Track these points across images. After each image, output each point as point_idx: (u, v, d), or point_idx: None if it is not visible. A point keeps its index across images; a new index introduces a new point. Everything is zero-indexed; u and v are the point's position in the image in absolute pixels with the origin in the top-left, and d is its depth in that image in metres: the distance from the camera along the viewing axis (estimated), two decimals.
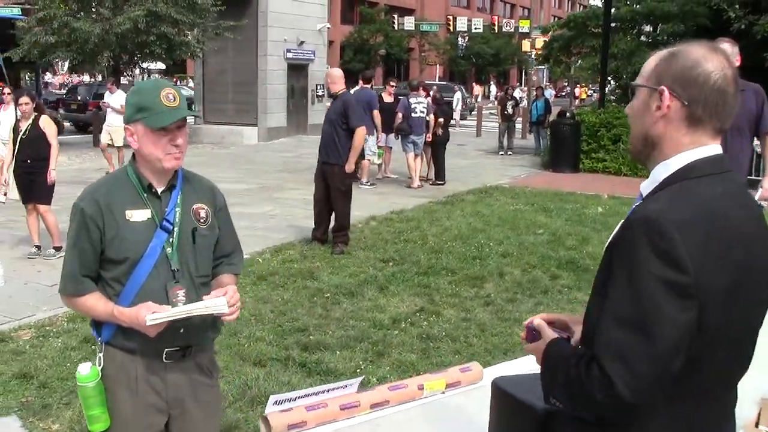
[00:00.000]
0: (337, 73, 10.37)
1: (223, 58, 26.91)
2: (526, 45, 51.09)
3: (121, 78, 24.87)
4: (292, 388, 5.47)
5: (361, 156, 11.61)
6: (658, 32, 24.31)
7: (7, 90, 13.69)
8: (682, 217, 1.86)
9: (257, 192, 15.37)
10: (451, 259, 9.57)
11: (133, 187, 2.96)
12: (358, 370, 5.94)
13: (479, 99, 52.66)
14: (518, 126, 27.09)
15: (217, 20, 23.90)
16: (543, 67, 53.30)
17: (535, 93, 27.88)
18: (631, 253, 1.87)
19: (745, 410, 2.14)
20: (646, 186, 2.07)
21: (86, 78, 48.06)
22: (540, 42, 38.88)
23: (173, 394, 3.02)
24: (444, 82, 47.79)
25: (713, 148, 2.01)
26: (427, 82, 21.79)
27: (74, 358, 6.05)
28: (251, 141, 26.33)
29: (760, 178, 7.73)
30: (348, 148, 9.78)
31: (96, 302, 2.93)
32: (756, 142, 7.05)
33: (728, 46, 5.73)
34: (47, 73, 55.10)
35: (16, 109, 9.78)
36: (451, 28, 61.36)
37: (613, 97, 24.24)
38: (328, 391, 3.61)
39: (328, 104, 10.42)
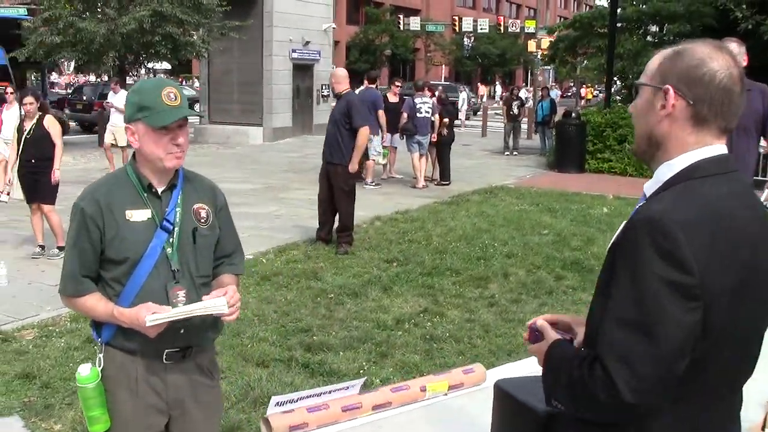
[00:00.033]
0: (342, 73, 10.35)
1: (228, 58, 26.91)
2: (531, 45, 50.93)
3: (127, 78, 24.88)
4: (295, 388, 5.45)
5: (365, 156, 11.57)
6: (664, 32, 24.27)
7: (9, 89, 13.71)
8: (687, 217, 1.83)
9: (262, 192, 15.37)
10: (456, 260, 9.55)
11: (133, 187, 2.94)
12: (361, 371, 5.92)
13: (484, 99, 52.53)
14: (524, 126, 27.05)
15: (223, 20, 23.88)
16: (549, 67, 53.25)
17: (540, 93, 27.85)
18: (635, 254, 1.84)
19: (750, 413, 2.11)
20: (650, 186, 2.04)
21: (92, 78, 48.13)
22: (546, 42, 38.83)
23: (173, 395, 3.00)
24: (447, 83, 47.68)
25: (718, 147, 1.98)
26: (432, 82, 21.69)
27: (77, 358, 6.03)
28: (256, 141, 26.33)
29: (766, 179, 7.69)
30: (351, 148, 9.76)
31: (96, 303, 2.91)
32: (763, 143, 7.00)
33: (735, 46, 5.70)
34: (53, 73, 55.22)
35: (20, 108, 9.76)
36: (457, 28, 61.29)
37: (618, 98, 24.19)
38: (330, 392, 3.58)
39: (334, 104, 10.40)
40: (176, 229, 2.94)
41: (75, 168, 17.51)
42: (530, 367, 3.49)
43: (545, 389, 2.16)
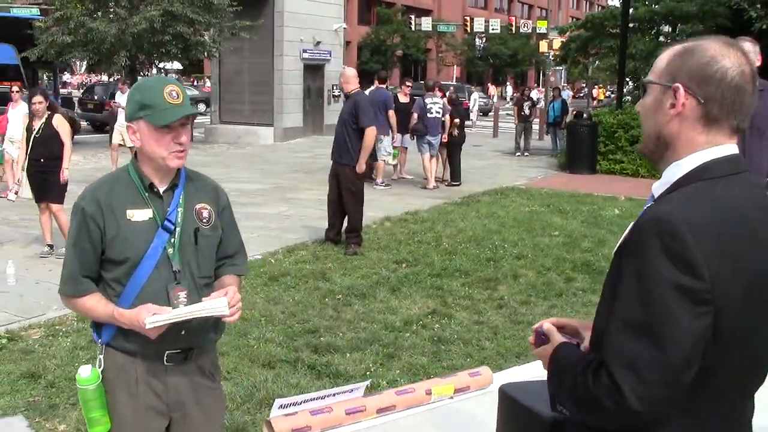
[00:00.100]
0: (350, 72, 10.31)
1: (239, 58, 26.93)
2: (543, 46, 50.85)
3: (138, 78, 24.92)
4: (300, 390, 5.42)
5: (372, 157, 11.52)
6: (677, 32, 24.16)
7: (15, 88, 13.74)
8: (696, 218, 1.77)
9: (272, 192, 15.35)
10: (465, 261, 9.49)
11: (135, 187, 2.90)
12: (368, 373, 5.88)
13: (495, 100, 52.42)
14: (535, 127, 26.97)
15: (233, 20, 23.89)
16: (560, 68, 53.09)
17: (552, 94, 27.76)
18: (642, 256, 1.78)
19: (762, 420, 2.05)
20: (658, 187, 1.99)
21: (104, 78, 48.31)
22: (557, 43, 38.72)
23: (174, 397, 2.97)
24: (453, 83, 47.56)
25: (729, 147, 1.92)
26: (441, 83, 21.66)
27: (83, 358, 6.01)
28: (267, 141, 26.33)
29: None
30: (359, 149, 9.72)
31: (96, 303, 2.87)
32: None
33: (749, 45, 5.62)
34: (65, 72, 55.44)
35: (29, 107, 9.77)
36: (469, 28, 61.18)
37: (630, 98, 24.10)
38: (333, 395, 3.54)
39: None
40: (178, 229, 2.90)
41: (85, 167, 17.55)
42: (538, 370, 3.44)
43: (550, 393, 2.12)
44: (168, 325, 2.73)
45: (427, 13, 70.65)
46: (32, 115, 9.64)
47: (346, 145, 9.77)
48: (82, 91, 38.24)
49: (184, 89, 2.93)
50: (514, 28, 61.36)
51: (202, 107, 35.41)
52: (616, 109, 20.03)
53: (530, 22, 65.35)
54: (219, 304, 2.74)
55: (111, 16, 22.34)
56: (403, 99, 17.02)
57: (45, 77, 27.34)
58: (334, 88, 28.66)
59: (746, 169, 1.95)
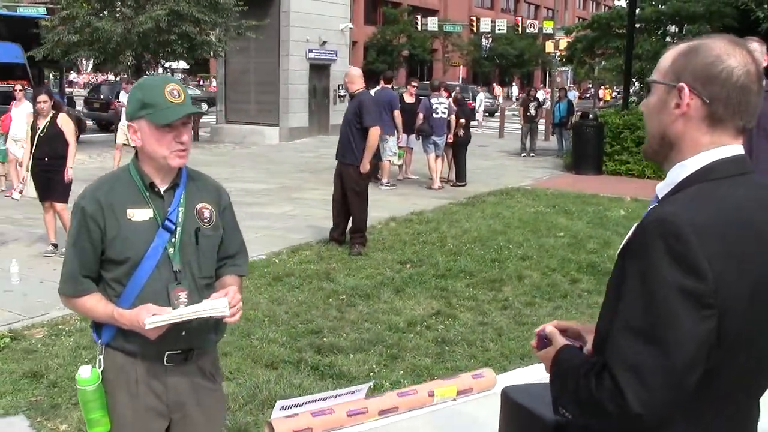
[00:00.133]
0: (355, 72, 10.28)
1: (245, 58, 26.93)
2: (549, 46, 50.74)
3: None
4: (303, 391, 5.39)
5: (376, 157, 11.48)
6: (683, 33, 24.07)
7: (18, 87, 13.75)
8: (701, 219, 1.74)
9: (277, 192, 15.34)
10: (470, 262, 9.46)
11: (135, 186, 2.88)
12: (371, 374, 5.85)
13: (500, 100, 52.32)
14: (541, 128, 26.92)
15: (239, 20, 23.90)
16: (566, 68, 52.99)
17: (558, 94, 27.71)
18: (645, 258, 1.75)
19: (764, 423, 2.02)
20: (662, 188, 1.95)
21: (111, 77, 48.37)
22: (563, 43, 38.64)
23: (174, 397, 2.94)
24: (457, 83, 47.51)
25: (734, 148, 1.89)
26: (447, 83, 21.62)
27: (85, 358, 5.99)
28: (272, 141, 26.33)
29: None
30: (363, 149, 9.70)
31: (96, 303, 2.85)
32: None
33: (756, 45, 5.58)
34: (71, 72, 55.53)
35: (34, 106, 9.76)
36: (475, 29, 61.10)
37: (636, 99, 24.02)
38: (335, 396, 3.52)
39: None
40: (178, 229, 2.87)
41: (90, 166, 17.54)
42: (542, 372, 3.41)
43: (553, 396, 2.09)
44: (168, 326, 2.71)
45: (433, 13, 70.63)
46: (37, 114, 9.64)
47: (350, 145, 9.76)
48: (88, 90, 38.26)
49: (185, 88, 2.91)
50: (520, 29, 61.29)
51: (204, 107, 35.43)
52: (622, 110, 19.96)
53: (536, 22, 65.25)
54: (219, 304, 2.72)
55: (117, 15, 22.37)
56: (409, 99, 16.99)
57: (51, 76, 27.36)
58: (340, 88, 28.65)
59: (752, 170, 1.92)
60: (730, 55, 1.84)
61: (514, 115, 36.33)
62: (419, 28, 62.49)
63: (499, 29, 60.84)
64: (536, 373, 3.72)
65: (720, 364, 1.78)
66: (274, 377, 5.73)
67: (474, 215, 12.73)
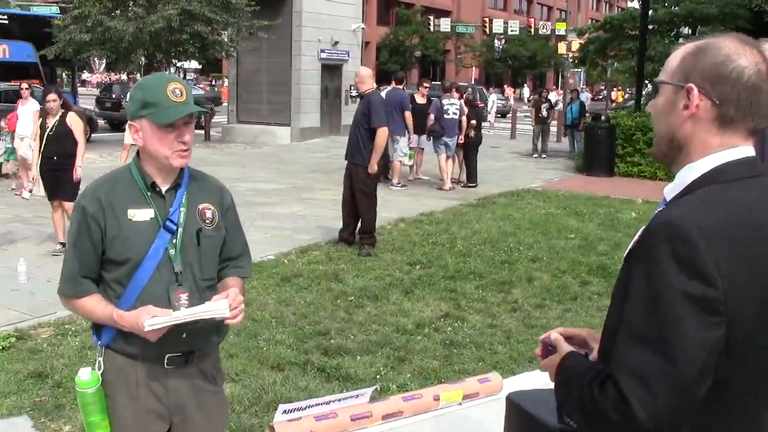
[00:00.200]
0: (365, 72, 10.24)
1: (257, 58, 26.94)
2: (562, 47, 50.63)
3: None
4: (309, 393, 5.35)
5: (384, 157, 11.41)
6: (696, 35, 23.96)
7: (24, 85, 13.77)
8: (709, 223, 1.69)
9: (287, 192, 15.32)
10: (480, 263, 9.40)
11: (137, 186, 2.84)
12: (378, 377, 5.81)
13: (511, 101, 52.16)
14: (553, 129, 26.83)
15: (251, 20, 23.91)
16: (579, 70, 52.84)
17: (570, 96, 27.62)
18: (651, 262, 1.70)
19: None
20: (671, 190, 1.90)
21: (123, 76, 48.50)
22: (576, 44, 38.55)
23: (175, 400, 2.90)
24: (465, 84, 47.40)
25: (745, 149, 1.84)
26: (459, 84, 21.58)
27: (91, 358, 5.96)
28: (284, 141, 26.33)
29: None
30: (371, 149, 9.66)
31: (95, 305, 2.81)
32: None
33: None
34: (84, 71, 55.72)
35: (44, 105, 9.76)
36: (488, 30, 61.02)
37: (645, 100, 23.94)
38: (339, 400, 3.46)
39: None
40: (180, 229, 2.83)
41: (101, 165, 17.53)
42: (549, 377, 3.36)
43: (557, 404, 2.04)
44: (168, 328, 2.67)
45: (446, 14, 70.59)
46: (46, 113, 9.64)
47: (358, 145, 9.72)
48: (99, 89, 38.40)
49: (188, 87, 2.86)
50: (533, 30, 61.21)
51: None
52: (634, 112, 19.87)
53: (549, 23, 65.13)
54: (220, 306, 2.68)
55: (129, 14, 22.41)
56: (420, 100, 16.96)
57: (64, 75, 27.45)
58: (352, 88, 28.63)
59: (764, 172, 1.86)
60: (740, 54, 1.79)
61: (526, 116, 36.28)
62: (432, 28, 62.46)
63: (511, 30, 60.77)
64: (544, 378, 3.65)
65: (730, 375, 1.73)
66: (280, 379, 5.69)
67: (484, 216, 12.67)
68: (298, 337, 6.67)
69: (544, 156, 23.48)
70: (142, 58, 22.58)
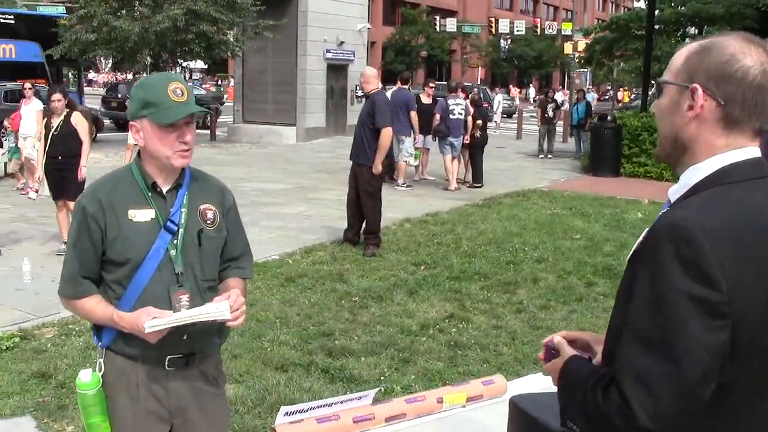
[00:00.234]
0: (370, 72, 10.23)
1: (262, 58, 26.93)
2: (568, 48, 50.55)
3: None
4: (313, 394, 5.34)
5: (388, 157, 11.37)
6: (703, 35, 23.90)
7: (27, 85, 13.81)
8: (714, 224, 1.67)
9: (293, 192, 15.30)
10: (485, 264, 9.37)
11: (137, 186, 2.82)
12: (382, 378, 5.78)
13: (516, 102, 52.06)
14: (559, 129, 26.78)
15: (257, 19, 23.91)
16: (585, 70, 52.73)
17: (576, 96, 27.57)
18: (655, 265, 1.68)
19: None
20: (675, 191, 1.87)
21: (130, 76, 48.55)
22: (582, 44, 38.48)
23: (175, 402, 2.88)
24: (476, 84, 47.30)
25: (751, 150, 1.81)
26: (465, 84, 21.56)
27: (94, 358, 5.90)
28: (290, 141, 26.32)
29: None
30: (375, 149, 9.63)
31: (95, 306, 2.79)
32: None
33: None
34: (90, 70, 55.81)
35: (48, 105, 9.75)
36: (494, 30, 61.02)
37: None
38: (341, 402, 3.45)
39: None
40: (181, 230, 2.81)
41: (106, 165, 17.54)
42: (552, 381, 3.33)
43: (560, 409, 2.02)
44: (169, 330, 2.65)
45: (452, 14, 70.53)
46: (51, 113, 9.63)
47: (363, 146, 9.69)
48: (105, 89, 38.47)
49: (188, 86, 2.84)
50: (539, 30, 61.19)
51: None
52: (640, 112, 19.82)
53: (555, 23, 65.08)
54: (221, 308, 2.66)
55: (135, 14, 22.42)
56: (426, 100, 16.92)
57: (70, 75, 27.50)
58: (357, 88, 28.60)
59: None
60: (746, 53, 1.76)
61: (532, 116, 36.23)
62: (438, 28, 62.44)
63: (517, 30, 60.75)
64: (548, 380, 3.63)
65: (735, 378, 1.70)
66: (283, 380, 5.67)
67: (490, 217, 12.64)
68: (302, 337, 6.65)
69: (550, 156, 23.43)
70: (148, 58, 22.56)
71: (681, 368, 1.62)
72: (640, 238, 1.80)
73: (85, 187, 9.46)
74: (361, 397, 3.50)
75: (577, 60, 44.11)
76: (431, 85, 17.92)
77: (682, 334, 1.62)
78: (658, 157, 1.98)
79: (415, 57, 66.38)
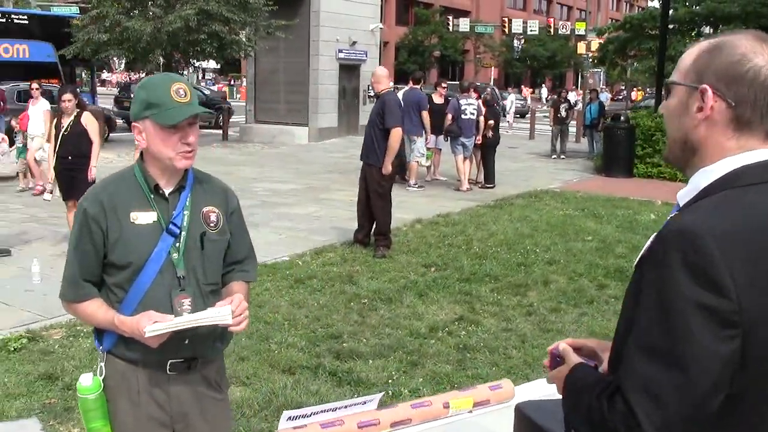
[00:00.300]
0: (381, 72, 10.18)
1: (275, 58, 26.93)
2: (581, 47, 50.37)
3: None
4: (320, 398, 5.29)
5: (399, 158, 11.31)
6: (718, 34, 23.77)
7: (35, 85, 13.83)
8: (724, 229, 1.60)
9: (304, 192, 15.27)
10: (495, 266, 9.30)
11: (140, 188, 2.78)
12: (390, 381, 5.73)
13: (528, 102, 51.90)
14: (572, 129, 26.67)
15: (269, 19, 23.91)
16: (599, 70, 52.55)
17: (589, 96, 27.45)
18: (662, 271, 1.62)
19: None
20: (684, 194, 1.80)
21: (143, 76, 48.69)
22: (596, 44, 38.33)
23: (177, 407, 2.84)
24: (488, 84, 47.17)
25: (763, 153, 1.74)
26: (477, 84, 21.49)
27: (101, 361, 5.91)
28: (302, 141, 26.31)
29: None
30: (385, 150, 9.58)
31: (96, 309, 2.76)
32: None
33: None
34: (104, 70, 56.03)
35: (59, 105, 9.75)
36: (507, 30, 60.82)
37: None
38: (345, 407, 3.40)
39: None
40: (183, 233, 2.77)
41: (118, 165, 17.49)
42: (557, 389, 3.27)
43: (564, 417, 1.96)
44: (170, 334, 2.61)
45: (465, 14, 70.44)
46: (61, 113, 9.63)
47: (373, 146, 9.65)
48: (119, 88, 38.58)
49: (192, 87, 2.80)
50: (552, 30, 61.00)
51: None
52: (654, 112, 19.69)
53: (569, 23, 64.84)
54: (223, 312, 2.62)
55: (147, 14, 22.47)
56: (438, 100, 16.87)
57: (83, 75, 27.57)
58: (370, 88, 28.56)
59: None
60: (757, 52, 1.70)
61: (545, 116, 36.12)
62: (451, 28, 62.31)
63: (531, 30, 60.56)
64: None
65: (745, 386, 1.64)
66: (291, 383, 5.63)
67: (501, 218, 12.57)
68: (311, 340, 6.61)
69: (562, 156, 23.34)
70: (160, 58, 22.59)
71: (689, 375, 1.57)
72: (648, 243, 1.74)
73: None
74: (366, 402, 3.45)
75: (590, 60, 43.99)
76: (443, 85, 17.88)
77: (690, 342, 1.56)
78: (667, 159, 1.93)
79: (428, 57, 66.35)
